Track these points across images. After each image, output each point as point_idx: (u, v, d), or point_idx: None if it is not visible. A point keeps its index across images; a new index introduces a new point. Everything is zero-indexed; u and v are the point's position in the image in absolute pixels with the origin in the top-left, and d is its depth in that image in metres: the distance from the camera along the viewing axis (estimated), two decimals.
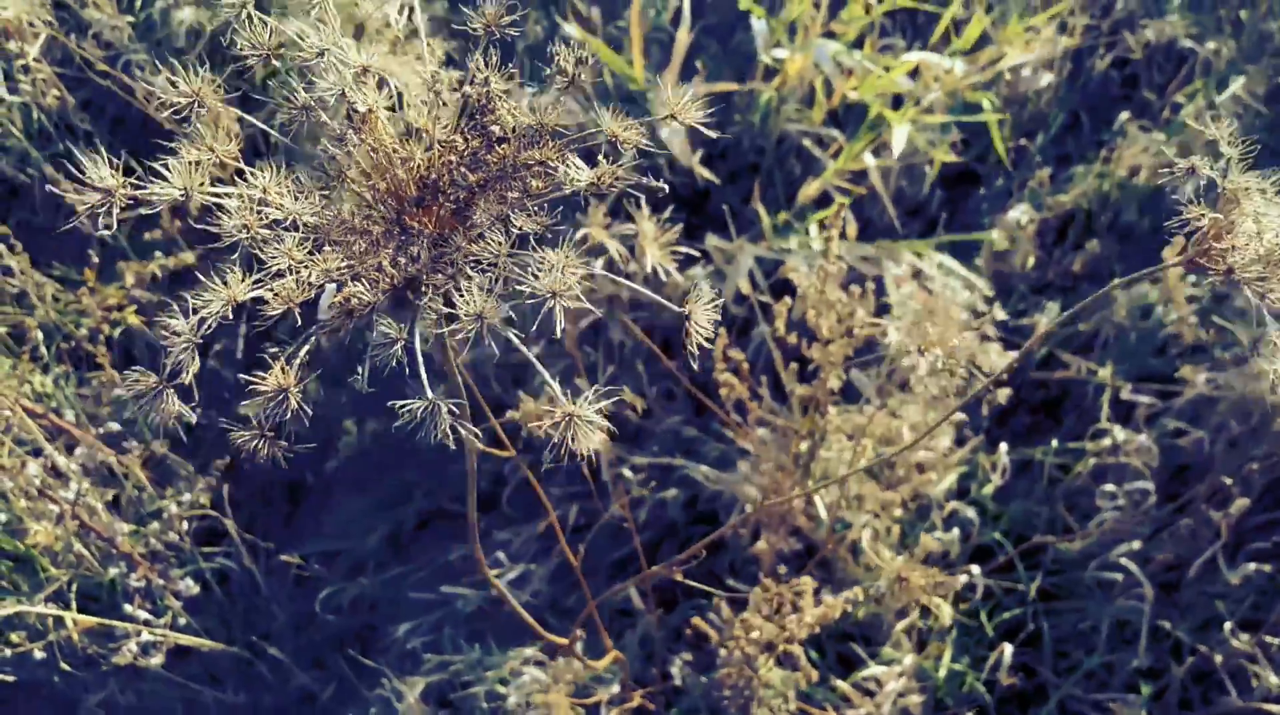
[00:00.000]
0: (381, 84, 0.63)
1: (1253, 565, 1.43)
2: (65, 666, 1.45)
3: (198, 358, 0.56)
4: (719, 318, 0.63)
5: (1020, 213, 1.71)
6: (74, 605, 1.46)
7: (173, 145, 0.61)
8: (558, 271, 0.56)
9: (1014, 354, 1.05)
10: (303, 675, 1.64)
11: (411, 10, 0.68)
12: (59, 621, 1.42)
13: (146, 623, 1.36)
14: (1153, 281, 1.68)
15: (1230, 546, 1.48)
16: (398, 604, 1.71)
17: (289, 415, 0.55)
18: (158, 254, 1.73)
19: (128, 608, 1.34)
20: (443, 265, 0.58)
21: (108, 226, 0.56)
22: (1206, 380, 1.52)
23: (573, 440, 0.55)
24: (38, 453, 1.44)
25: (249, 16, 0.63)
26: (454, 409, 0.55)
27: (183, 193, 0.57)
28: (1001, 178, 1.90)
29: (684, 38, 1.61)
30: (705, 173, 1.64)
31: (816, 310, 1.15)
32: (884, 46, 1.84)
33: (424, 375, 0.56)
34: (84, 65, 1.89)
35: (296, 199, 0.58)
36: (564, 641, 1.10)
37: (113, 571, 1.39)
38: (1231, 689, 1.39)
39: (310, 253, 0.57)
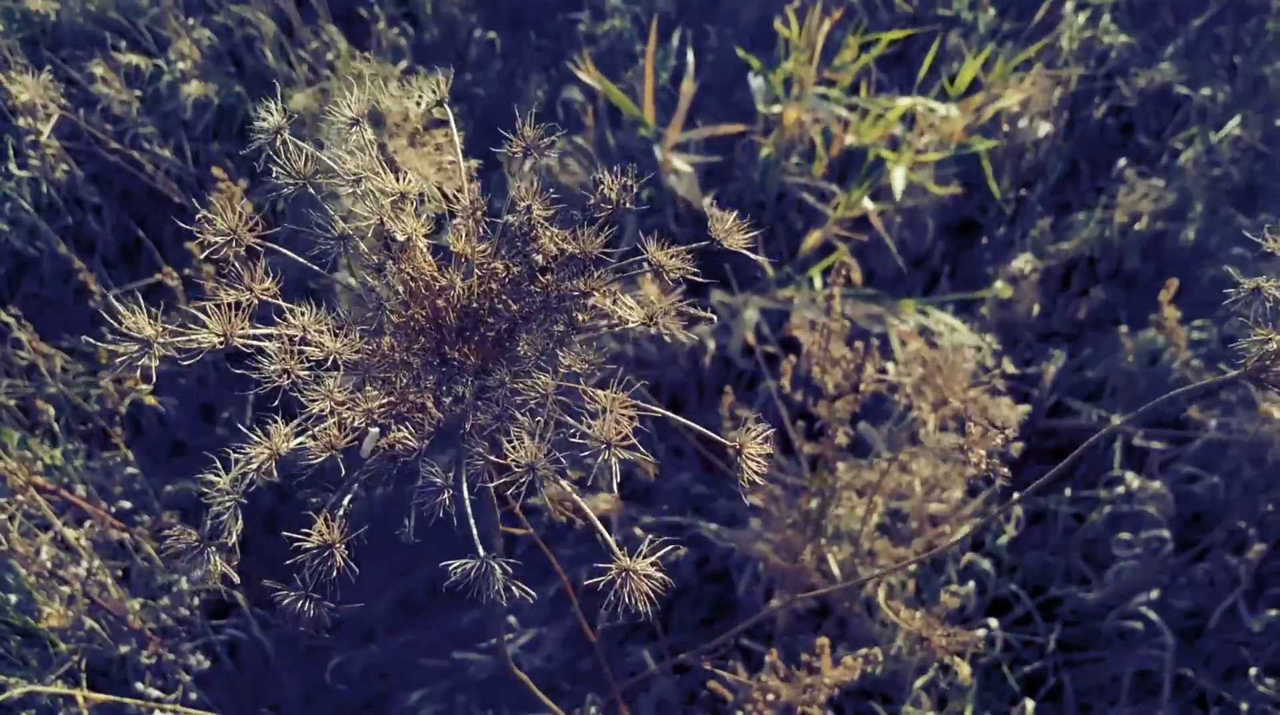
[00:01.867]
0: (418, 208, 0.61)
1: (1274, 611, 1.41)
2: None
3: (241, 518, 0.53)
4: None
5: (1023, 262, 1.72)
6: (84, 682, 1.44)
7: (193, 238, 0.60)
8: (610, 416, 0.53)
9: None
10: None
11: (441, 102, 0.67)
12: (69, 699, 1.41)
13: (158, 700, 1.35)
14: (1158, 327, 1.68)
15: (1250, 593, 1.46)
16: (409, 671, 1.69)
17: (334, 572, 0.52)
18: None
19: (139, 685, 1.32)
20: (488, 404, 0.56)
21: (147, 377, 0.54)
22: (1218, 424, 1.51)
23: (629, 595, 0.53)
24: (47, 528, 1.43)
25: (284, 143, 0.62)
26: (507, 569, 0.53)
27: (222, 338, 0.55)
28: (1003, 227, 1.90)
29: (688, 88, 1.64)
30: (716, 212, 1.66)
31: (821, 367, 1.15)
32: (879, 92, 1.86)
33: (474, 530, 0.53)
34: (92, 140, 1.91)
35: (336, 336, 0.56)
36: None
37: (124, 649, 1.38)
38: None
39: (351, 393, 0.55)
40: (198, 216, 0.60)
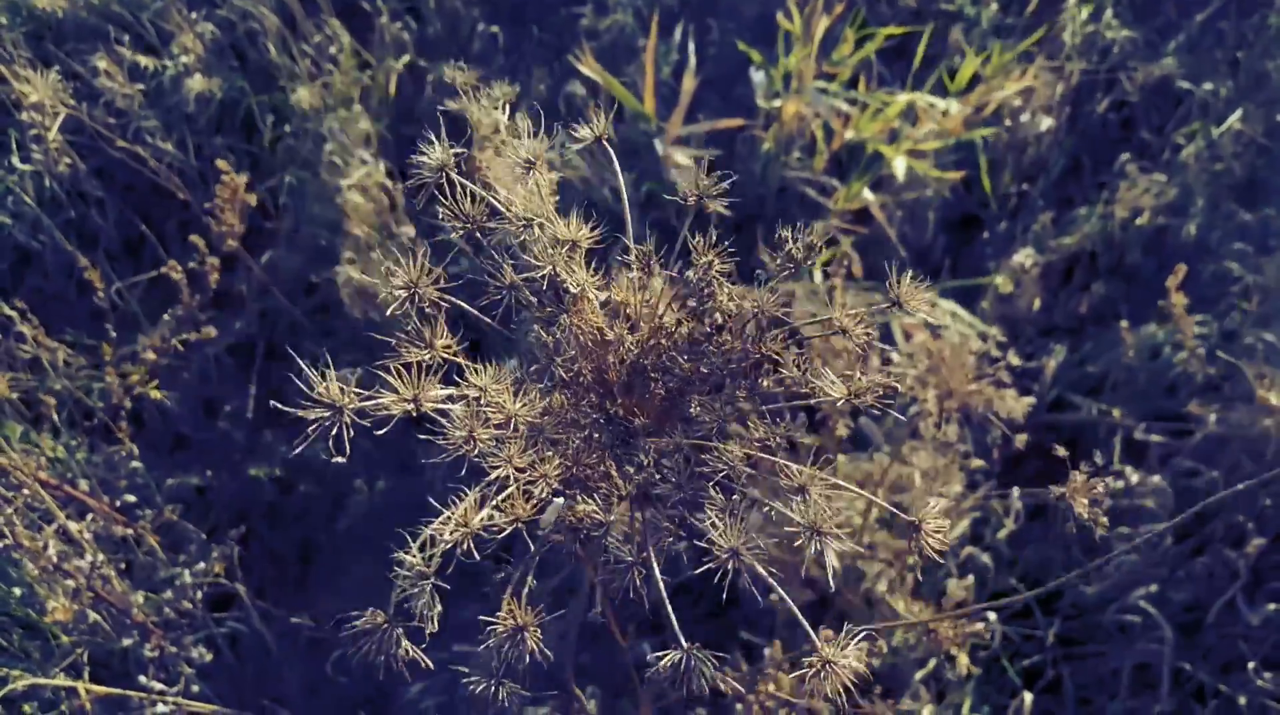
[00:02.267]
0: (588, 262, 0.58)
1: (1272, 605, 1.42)
2: None
3: (438, 601, 0.51)
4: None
5: (1024, 256, 1.72)
6: (86, 675, 1.45)
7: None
8: (812, 498, 0.49)
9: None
10: None
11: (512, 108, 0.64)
12: (72, 692, 1.42)
13: (161, 693, 1.36)
14: (1160, 321, 1.68)
15: (1248, 587, 1.47)
16: (411, 664, 1.70)
17: (527, 660, 0.50)
18: (166, 318, 1.74)
19: (142, 679, 1.33)
20: (671, 472, 0.53)
21: (340, 451, 0.52)
22: (1217, 419, 1.51)
23: (827, 686, 0.49)
24: (50, 522, 1.44)
25: (449, 181, 0.59)
26: (702, 657, 0.49)
27: (412, 402, 0.54)
28: (1004, 222, 1.90)
29: (689, 84, 1.64)
30: (720, 207, 1.66)
31: (823, 359, 1.15)
32: (881, 87, 1.86)
33: (674, 620, 0.50)
34: (96, 134, 1.92)
35: (514, 397, 0.54)
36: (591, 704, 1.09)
37: (126, 641, 1.39)
38: None
39: (532, 458, 0.52)
40: (384, 268, 0.57)
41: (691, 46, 1.79)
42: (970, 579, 1.47)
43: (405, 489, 1.81)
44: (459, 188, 0.59)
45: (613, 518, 0.52)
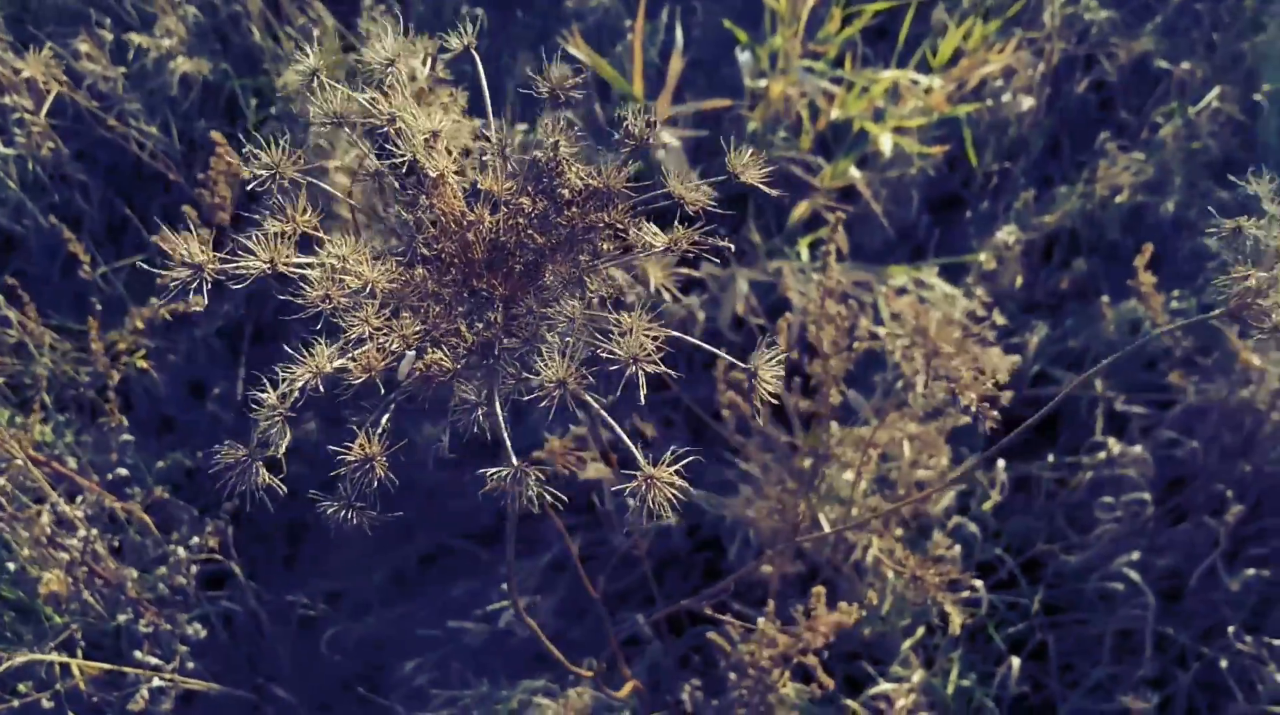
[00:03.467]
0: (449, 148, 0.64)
1: (1252, 570, 1.45)
2: None
3: (289, 430, 0.56)
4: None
5: (1007, 233, 1.74)
6: (80, 654, 1.45)
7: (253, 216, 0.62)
8: (635, 335, 0.56)
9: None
10: None
11: (433, 61, 0.70)
12: (65, 670, 1.42)
13: (156, 669, 1.36)
14: (1139, 297, 1.71)
15: (1228, 554, 1.50)
16: (404, 642, 1.71)
17: (375, 484, 0.56)
18: (154, 299, 1.74)
19: (138, 654, 1.33)
20: (518, 328, 0.59)
21: (198, 304, 0.57)
22: (1196, 390, 1.54)
23: (653, 502, 0.55)
24: (40, 500, 1.44)
25: (320, 84, 0.65)
26: (540, 475, 0.56)
27: (269, 264, 0.58)
28: (986, 201, 1.93)
29: (677, 64, 1.65)
30: (701, 198, 1.68)
31: (817, 325, 1.17)
32: (864, 67, 1.88)
33: (508, 442, 0.56)
34: (83, 117, 1.91)
35: (373, 266, 0.59)
36: (588, 674, 1.11)
37: (121, 617, 1.39)
38: (1239, 694, 1.40)
39: (387, 319, 0.58)
40: (245, 151, 0.63)
41: (679, 28, 1.80)
42: (957, 548, 1.49)
43: (395, 469, 1.82)
44: (330, 89, 0.66)
45: (459, 366, 0.58)
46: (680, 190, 0.63)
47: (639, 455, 0.57)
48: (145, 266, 1.70)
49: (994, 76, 1.82)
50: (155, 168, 1.98)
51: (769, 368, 0.61)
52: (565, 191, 0.62)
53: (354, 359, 0.57)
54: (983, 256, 1.71)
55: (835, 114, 1.73)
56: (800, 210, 1.70)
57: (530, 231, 0.62)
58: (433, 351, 0.58)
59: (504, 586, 1.63)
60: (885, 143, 1.63)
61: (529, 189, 0.63)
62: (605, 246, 0.62)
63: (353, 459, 0.56)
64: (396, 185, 0.64)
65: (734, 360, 0.63)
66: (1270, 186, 0.67)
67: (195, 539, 1.37)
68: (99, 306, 1.58)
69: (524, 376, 0.58)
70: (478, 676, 1.58)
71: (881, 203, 1.78)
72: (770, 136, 1.79)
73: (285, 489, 0.58)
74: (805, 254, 1.70)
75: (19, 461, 1.21)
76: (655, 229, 0.62)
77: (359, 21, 2.11)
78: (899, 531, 1.48)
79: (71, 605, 1.46)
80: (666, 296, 1.33)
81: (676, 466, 0.57)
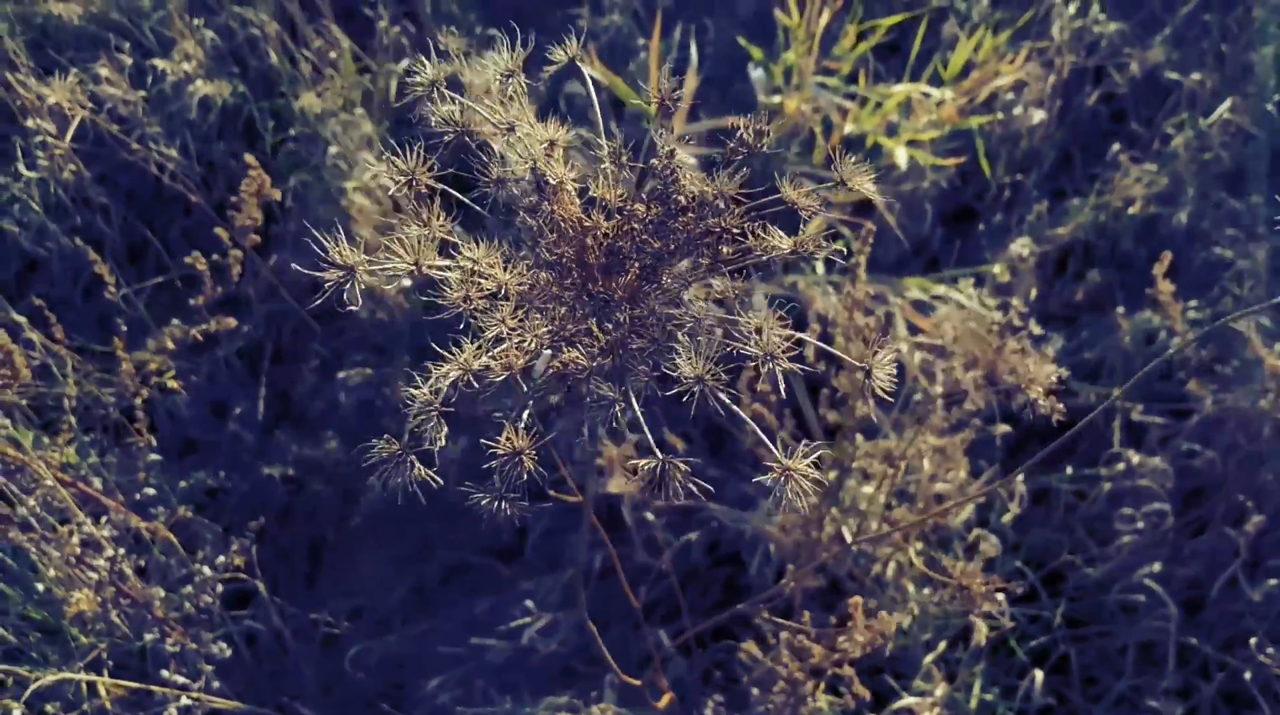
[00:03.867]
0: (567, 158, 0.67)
1: (1273, 581, 1.45)
2: None
3: (445, 426, 0.59)
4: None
5: (1020, 245, 1.75)
6: (106, 673, 1.46)
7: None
8: (767, 334, 0.58)
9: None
10: None
11: (513, 74, 0.72)
12: (93, 690, 1.43)
13: (182, 688, 1.37)
14: (1154, 307, 1.72)
15: (1249, 564, 1.50)
16: (426, 659, 1.72)
17: (524, 475, 0.58)
18: (176, 321, 1.76)
19: (164, 673, 1.35)
20: (645, 329, 0.61)
21: (352, 302, 0.59)
22: (1214, 400, 1.55)
23: (790, 493, 0.57)
24: (66, 521, 1.45)
25: (440, 94, 0.68)
26: (685, 466, 0.58)
27: (414, 266, 0.61)
28: (1000, 213, 1.94)
29: (691, 83, 1.67)
30: (815, 193, 1.70)
31: (845, 336, 1.18)
32: (876, 82, 1.90)
33: (648, 435, 0.58)
34: (103, 140, 1.93)
35: (505, 269, 0.62)
36: (636, 683, 1.11)
37: (148, 637, 1.40)
38: (1263, 705, 1.40)
39: (520, 320, 0.61)
40: (383, 157, 0.65)
41: (693, 45, 1.82)
42: (977, 562, 1.50)
43: (416, 486, 1.83)
44: (449, 100, 0.69)
45: (595, 364, 0.60)
46: (793, 196, 0.66)
47: (773, 447, 0.59)
48: (175, 285, 1.71)
49: (1005, 89, 1.83)
50: (175, 190, 2.00)
51: (883, 366, 0.63)
52: (681, 198, 0.64)
53: (495, 357, 0.59)
54: (997, 268, 1.71)
55: (849, 129, 1.74)
56: (815, 225, 1.71)
57: (645, 237, 0.64)
58: (567, 351, 0.60)
59: (527, 603, 1.64)
60: (900, 156, 1.65)
61: (643, 196, 0.65)
62: (724, 250, 0.64)
63: (502, 452, 0.58)
64: (515, 193, 0.66)
65: (851, 360, 0.65)
66: None
67: (220, 558, 1.38)
68: (124, 327, 1.60)
69: (656, 373, 0.60)
70: (501, 694, 1.59)
71: (896, 216, 1.79)
72: (784, 152, 1.80)
73: (439, 481, 0.61)
74: (821, 267, 1.72)
75: (48, 481, 1.23)
76: (779, 232, 0.64)
77: (372, 43, 2.13)
78: (918, 545, 1.49)
79: (98, 625, 1.47)
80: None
81: (810, 460, 0.59)
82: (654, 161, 0.66)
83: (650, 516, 1.62)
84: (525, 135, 0.66)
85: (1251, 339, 1.45)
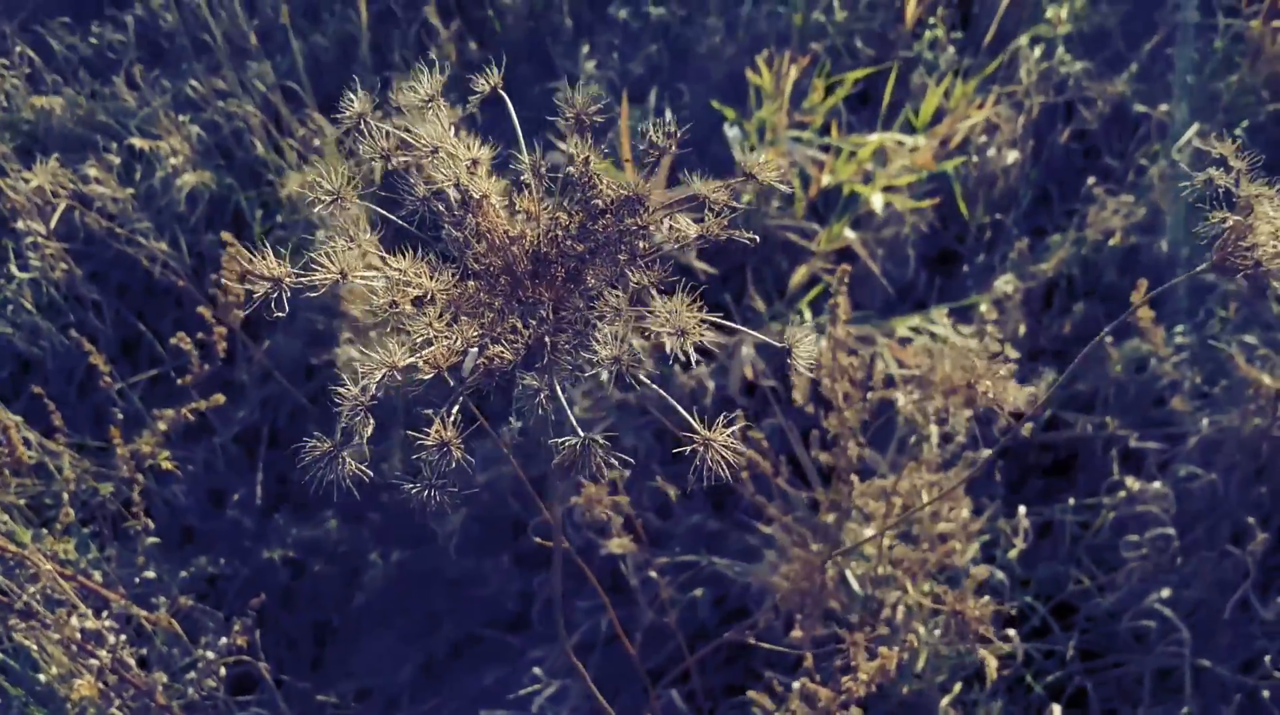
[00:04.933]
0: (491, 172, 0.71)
1: None
2: None
3: (371, 419, 0.60)
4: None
5: (1005, 282, 1.77)
6: None
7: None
8: (679, 313, 0.62)
9: (1032, 389, 1.09)
10: None
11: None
12: None
13: None
14: (1140, 334, 1.73)
15: (1259, 584, 1.49)
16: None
17: (453, 465, 0.60)
18: (164, 414, 1.76)
19: None
20: (567, 324, 0.64)
21: (281, 311, 0.61)
22: (1209, 422, 1.55)
23: (710, 464, 0.59)
24: (67, 613, 1.44)
25: (367, 125, 0.73)
26: (605, 443, 0.60)
27: (340, 275, 0.64)
28: (982, 254, 1.96)
29: (671, 144, 1.70)
30: (702, 265, 1.71)
31: (831, 377, 1.19)
32: (849, 133, 1.93)
33: (573, 418, 0.61)
34: (91, 237, 1.96)
35: (432, 278, 0.65)
36: None
37: None
38: None
39: (448, 324, 0.63)
40: (310, 178, 0.69)
41: (668, 111, 1.85)
42: (986, 598, 1.48)
43: (419, 560, 1.82)
44: (375, 128, 0.73)
45: (520, 358, 0.63)
46: (704, 190, 0.70)
47: (691, 419, 0.61)
48: (169, 376, 1.72)
49: (977, 132, 1.86)
50: (166, 282, 2.02)
51: (804, 345, 0.65)
52: (599, 202, 0.67)
53: (424, 359, 0.61)
54: (984, 306, 1.73)
55: (826, 180, 1.77)
56: (800, 275, 1.72)
57: (569, 241, 0.67)
58: (493, 347, 0.62)
59: (535, 670, 1.62)
60: (877, 202, 1.67)
61: (564, 203, 0.69)
62: (643, 245, 0.67)
63: (430, 443, 0.60)
64: (442, 208, 0.69)
65: (768, 339, 0.67)
66: (1234, 146, 0.71)
67: (223, 640, 1.37)
68: (120, 417, 1.61)
69: (580, 362, 0.62)
70: None
71: (878, 262, 1.81)
72: (764, 207, 1.83)
73: (370, 475, 0.61)
74: (808, 314, 1.73)
75: (48, 570, 1.22)
76: (687, 220, 0.68)
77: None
78: (926, 586, 1.48)
79: None
80: (681, 362, 1.35)
81: (732, 430, 0.61)
82: (571, 169, 0.69)
83: (654, 575, 1.61)
84: (450, 156, 0.69)
85: (1237, 358, 1.45)
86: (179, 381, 1.55)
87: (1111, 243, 1.87)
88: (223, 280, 1.58)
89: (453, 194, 0.68)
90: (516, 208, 0.69)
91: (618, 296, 0.64)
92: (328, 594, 1.84)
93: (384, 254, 0.66)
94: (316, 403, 1.98)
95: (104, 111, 2.22)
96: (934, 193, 1.89)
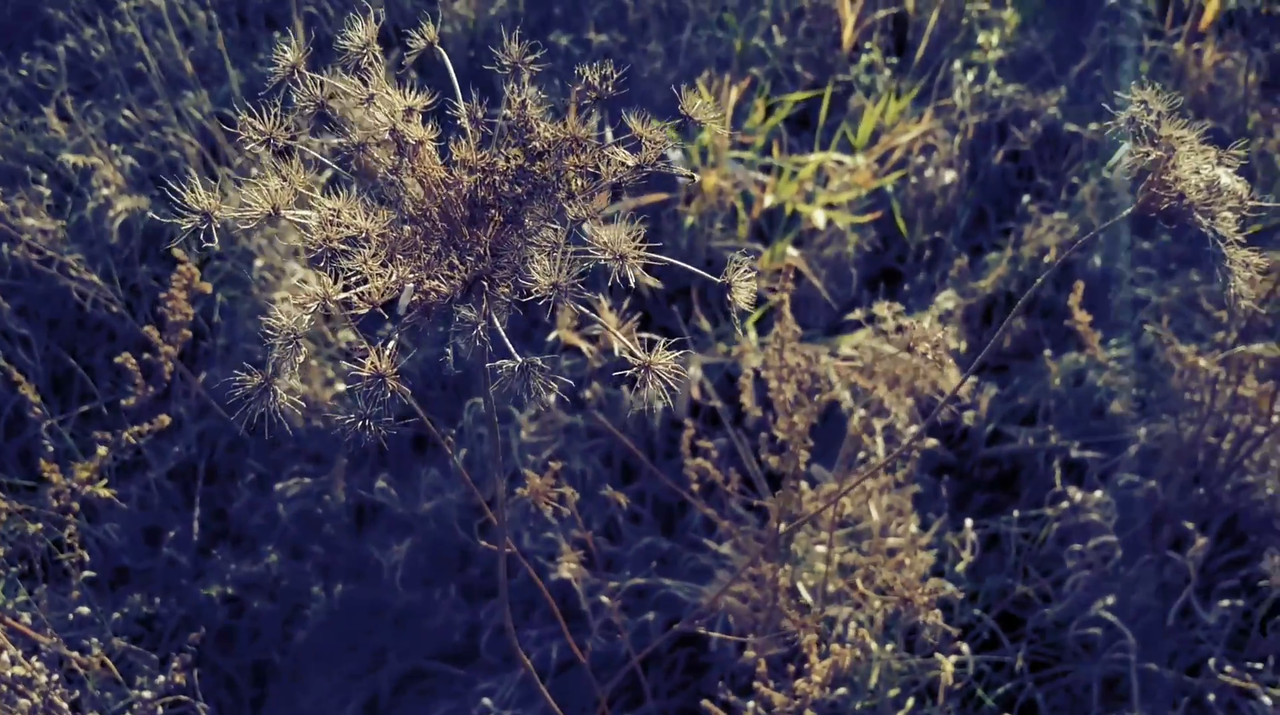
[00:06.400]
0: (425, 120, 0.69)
1: (1226, 601, 1.46)
2: None
3: (302, 349, 0.59)
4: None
5: (944, 299, 1.79)
6: None
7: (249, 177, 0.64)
8: (620, 239, 0.61)
9: (974, 378, 1.09)
10: None
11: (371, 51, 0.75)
12: None
13: None
14: (1080, 348, 1.76)
15: (1200, 589, 1.51)
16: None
17: (388, 397, 0.58)
18: (104, 436, 1.71)
19: None
20: (505, 261, 0.63)
21: (210, 242, 0.60)
22: (1148, 432, 1.57)
23: (650, 390, 0.59)
24: None
25: (300, 75, 0.72)
26: (544, 366, 0.59)
27: (272, 210, 0.62)
28: (922, 272, 1.98)
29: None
30: (649, 280, 1.71)
31: (779, 377, 1.18)
32: (790, 152, 1.95)
33: (510, 346, 0.60)
34: (16, 272, 1.91)
35: (367, 218, 0.63)
36: None
37: None
38: None
39: (383, 264, 0.62)
40: (240, 120, 0.69)
41: (609, 133, 1.86)
42: (937, 612, 1.48)
43: (362, 594, 1.78)
44: (309, 79, 0.72)
45: (455, 293, 0.62)
46: (640, 129, 0.71)
47: (630, 345, 0.60)
48: (101, 412, 1.67)
49: (914, 147, 1.89)
50: (98, 317, 1.97)
51: (743, 281, 0.66)
52: (537, 144, 0.67)
53: (359, 294, 0.59)
54: (926, 321, 1.74)
55: (769, 200, 1.78)
56: (745, 292, 1.73)
57: (507, 185, 0.66)
58: (429, 282, 0.61)
59: (484, 701, 1.59)
60: (819, 217, 1.69)
61: (501, 149, 0.68)
62: (579, 183, 0.67)
63: (366, 374, 0.58)
64: (377, 155, 0.68)
65: (709, 276, 0.67)
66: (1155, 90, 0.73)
67: (160, 679, 1.32)
68: (51, 450, 1.56)
69: (518, 292, 0.61)
70: None
71: (822, 281, 1.82)
72: (708, 228, 1.84)
73: (302, 406, 0.59)
74: (754, 334, 1.73)
75: None
76: (624, 153, 0.68)
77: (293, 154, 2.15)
78: (878, 602, 1.47)
79: None
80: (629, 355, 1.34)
81: (671, 358, 0.60)
82: (506, 112, 0.68)
83: (605, 600, 1.59)
84: (384, 103, 0.69)
85: (1171, 340, 1.48)
86: (123, 402, 1.51)
87: (1047, 259, 1.90)
88: (160, 310, 1.54)
89: (388, 139, 0.67)
90: (453, 156, 0.68)
91: (555, 230, 0.63)
92: (268, 631, 1.79)
93: (317, 196, 0.64)
94: (255, 433, 1.94)
95: (34, 143, 2.18)
96: (874, 206, 1.91)
